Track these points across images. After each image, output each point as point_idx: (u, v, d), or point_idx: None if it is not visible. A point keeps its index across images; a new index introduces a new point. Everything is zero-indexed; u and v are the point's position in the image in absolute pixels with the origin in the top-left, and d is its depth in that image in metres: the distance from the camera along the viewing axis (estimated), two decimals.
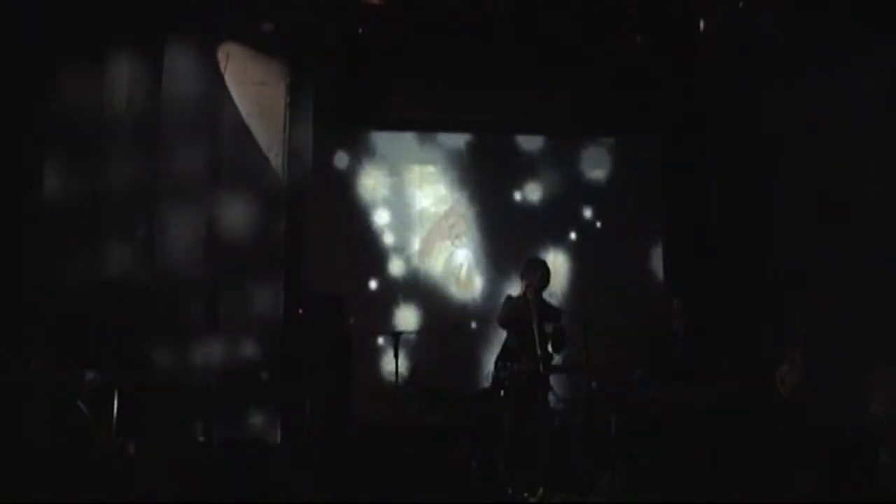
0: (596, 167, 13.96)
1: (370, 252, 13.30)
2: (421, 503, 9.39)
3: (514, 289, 10.83)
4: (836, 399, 9.77)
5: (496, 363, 10.19)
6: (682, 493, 8.67)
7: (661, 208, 13.78)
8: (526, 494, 9.25)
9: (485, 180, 13.69)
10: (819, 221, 10.97)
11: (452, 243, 13.68)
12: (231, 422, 10.21)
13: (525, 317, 9.85)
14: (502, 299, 10.66)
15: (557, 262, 13.51)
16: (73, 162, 10.35)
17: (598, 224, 13.86)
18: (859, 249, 10.31)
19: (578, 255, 13.76)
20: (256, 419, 10.36)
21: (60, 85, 10.28)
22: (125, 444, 9.23)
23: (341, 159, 13.21)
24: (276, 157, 11.02)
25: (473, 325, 13.22)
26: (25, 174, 10.26)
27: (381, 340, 12.47)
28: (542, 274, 10.23)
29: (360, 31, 11.62)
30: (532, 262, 10.50)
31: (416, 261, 13.47)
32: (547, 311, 10.15)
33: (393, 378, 10.44)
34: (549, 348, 9.95)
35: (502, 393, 9.84)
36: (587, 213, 13.85)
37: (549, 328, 9.98)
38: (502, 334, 10.53)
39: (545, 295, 10.37)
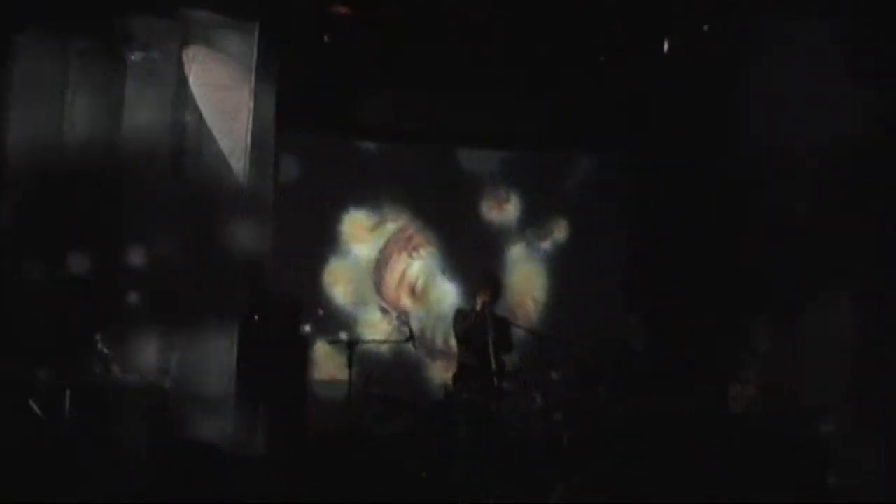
0: (558, 182, 14.00)
1: (330, 260, 13.27)
2: None
3: (469, 302, 10.84)
4: (789, 416, 9.86)
5: (454, 381, 10.19)
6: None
7: (622, 223, 13.84)
8: None
9: (445, 192, 13.70)
10: (779, 239, 11.06)
11: (409, 255, 13.68)
12: (184, 426, 10.13)
13: (480, 332, 9.84)
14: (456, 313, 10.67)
15: (516, 275, 13.55)
16: (32, 168, 10.29)
17: (559, 238, 13.90)
18: (818, 267, 10.40)
19: (537, 269, 13.80)
20: (210, 424, 10.28)
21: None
22: (76, 445, 9.17)
23: (304, 165, 13.17)
24: (237, 161, 10.96)
25: (428, 336, 13.21)
26: None
27: (336, 349, 12.41)
28: (495, 288, 10.25)
29: (327, 38, 11.62)
30: (485, 276, 10.52)
31: (373, 270, 13.45)
32: (499, 324, 10.14)
33: (347, 387, 10.44)
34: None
35: (458, 406, 9.86)
36: (548, 226, 13.88)
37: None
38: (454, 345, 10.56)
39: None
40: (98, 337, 9.85)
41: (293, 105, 11.72)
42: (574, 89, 12.88)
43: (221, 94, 11.04)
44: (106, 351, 9.83)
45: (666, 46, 11.49)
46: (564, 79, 12.74)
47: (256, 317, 11.19)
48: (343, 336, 12.42)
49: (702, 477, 9.01)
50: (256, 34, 11.12)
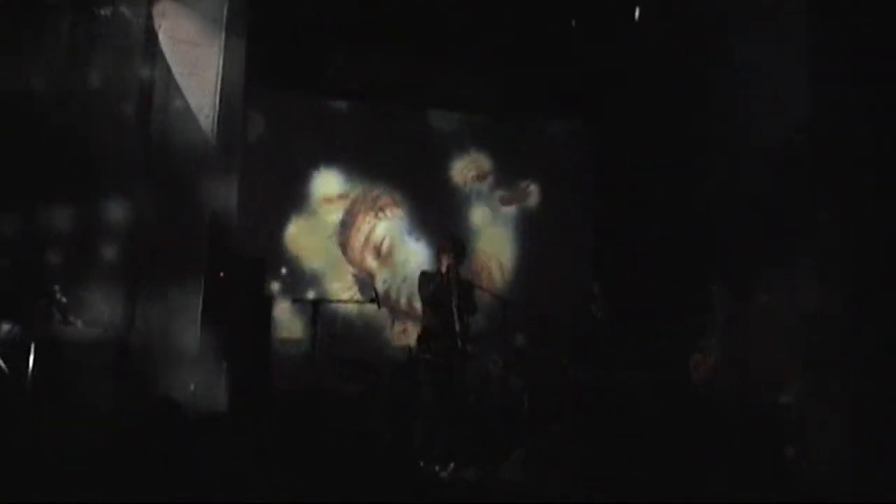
0: (526, 146, 14.06)
1: (296, 218, 13.28)
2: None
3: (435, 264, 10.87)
4: (749, 388, 9.95)
5: (418, 343, 10.22)
6: (592, 472, 8.79)
7: (589, 192, 13.91)
8: (437, 468, 9.33)
9: (413, 154, 13.72)
10: (740, 211, 11.12)
11: (376, 216, 13.70)
12: (146, 382, 10.13)
13: (444, 294, 9.87)
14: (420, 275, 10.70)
15: (482, 240, 13.62)
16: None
17: (526, 205, 13.97)
18: (778, 240, 10.47)
19: (503, 233, 13.86)
20: (174, 381, 10.29)
21: None
22: (37, 399, 9.17)
23: (272, 123, 13.15)
24: (206, 118, 10.92)
25: (393, 297, 13.27)
26: None
27: (301, 308, 12.42)
28: (459, 250, 10.26)
29: None
30: (449, 239, 10.51)
31: (339, 231, 13.47)
32: (463, 287, 10.15)
33: (311, 346, 10.47)
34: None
35: (421, 368, 9.90)
36: (515, 192, 13.95)
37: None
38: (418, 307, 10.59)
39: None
40: (57, 288, 9.82)
41: (262, 63, 11.68)
42: (545, 54, 12.88)
43: (190, 50, 10.98)
44: (64, 300, 9.80)
45: (637, 13, 11.47)
46: (535, 43, 12.73)
47: (222, 274, 11.17)
48: (308, 295, 12.46)
49: (660, 446, 9.10)
50: None
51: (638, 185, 12.92)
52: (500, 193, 14.02)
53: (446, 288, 9.84)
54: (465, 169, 13.97)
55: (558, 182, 14.04)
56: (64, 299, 9.83)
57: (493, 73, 13.36)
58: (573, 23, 11.98)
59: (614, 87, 13.28)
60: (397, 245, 13.68)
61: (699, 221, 11.89)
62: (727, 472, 8.56)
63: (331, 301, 12.00)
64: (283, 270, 13.04)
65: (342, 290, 13.21)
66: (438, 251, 10.33)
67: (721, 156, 11.53)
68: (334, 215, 13.51)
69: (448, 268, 9.98)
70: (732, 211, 11.28)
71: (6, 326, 9.22)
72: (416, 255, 13.53)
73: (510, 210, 14.03)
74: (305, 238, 13.33)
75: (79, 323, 9.81)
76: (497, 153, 14.07)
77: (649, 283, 11.98)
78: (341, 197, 13.55)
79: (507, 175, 14.08)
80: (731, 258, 11.18)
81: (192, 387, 10.35)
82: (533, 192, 14.03)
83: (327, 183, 13.48)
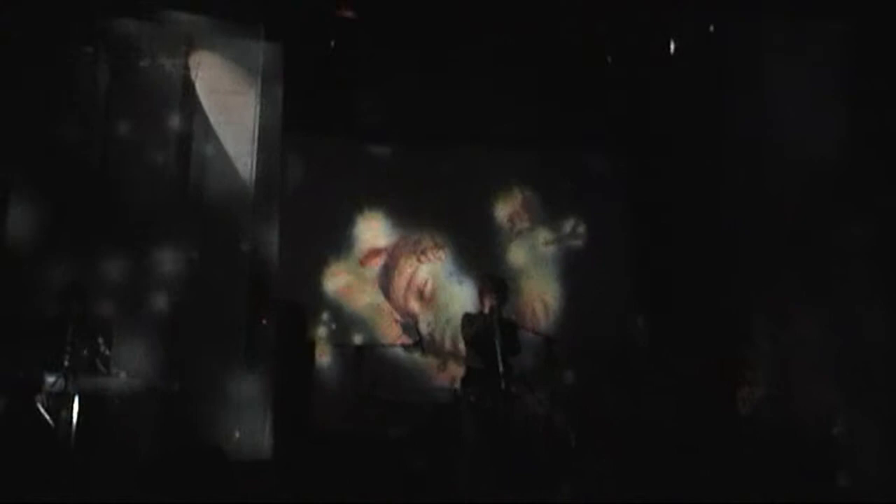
0: (565, 183, 14.02)
1: (337, 263, 13.29)
2: None
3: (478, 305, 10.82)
4: (797, 420, 9.83)
5: (462, 384, 10.16)
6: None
7: (628, 225, 13.84)
8: None
9: (453, 195, 13.70)
10: (782, 241, 11.03)
11: (418, 259, 13.68)
12: (191, 430, 10.14)
13: (487, 335, 9.81)
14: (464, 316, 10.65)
15: (525, 279, 13.56)
16: (36, 167, 10.38)
17: (567, 241, 13.91)
18: (820, 268, 10.38)
19: (546, 271, 13.79)
20: (217, 427, 10.29)
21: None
22: (84, 449, 9.20)
23: (310, 168, 13.19)
24: (244, 165, 10.99)
25: (437, 340, 13.22)
26: None
27: (344, 352, 12.39)
28: (501, 291, 10.20)
29: (333, 43, 11.64)
30: (491, 279, 10.46)
31: (381, 274, 13.47)
32: (506, 327, 10.09)
33: (355, 390, 10.46)
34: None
35: (465, 408, 9.85)
36: (555, 229, 13.90)
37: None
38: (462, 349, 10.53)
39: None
40: (100, 340, 9.87)
41: (299, 109, 11.73)
42: (581, 90, 12.87)
43: (227, 99, 11.08)
44: (107, 352, 9.85)
45: (672, 47, 11.44)
46: (572, 80, 12.72)
47: (264, 320, 11.18)
48: (351, 340, 12.46)
49: (709, 479, 8.99)
50: (262, 39, 11.18)
51: (677, 216, 12.83)
52: (541, 231, 13.96)
53: (489, 329, 9.78)
54: (506, 208, 13.93)
55: (599, 217, 13.98)
56: (107, 350, 9.88)
57: (531, 110, 13.33)
58: (608, 59, 11.94)
59: (651, 121, 13.21)
60: (440, 287, 13.64)
61: (740, 252, 11.80)
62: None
63: (374, 345, 11.97)
64: (325, 316, 13.02)
65: (385, 334, 13.14)
66: (480, 292, 10.27)
67: (759, 186, 11.45)
68: (376, 259, 13.48)
69: (490, 308, 9.92)
70: (773, 241, 11.18)
71: (50, 378, 9.27)
72: (459, 296, 13.45)
73: (552, 247, 13.96)
74: (347, 283, 13.32)
75: (122, 374, 9.85)
76: (538, 191, 14.03)
77: (692, 316, 11.88)
78: (382, 241, 13.52)
79: (548, 212, 14.02)
80: (773, 288, 11.08)
81: (236, 433, 10.36)
82: (574, 229, 13.96)
83: (368, 227, 13.47)
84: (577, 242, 14.03)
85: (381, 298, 13.44)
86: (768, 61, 10.82)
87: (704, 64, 11.61)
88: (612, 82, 12.56)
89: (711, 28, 11.13)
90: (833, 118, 10.16)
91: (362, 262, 13.47)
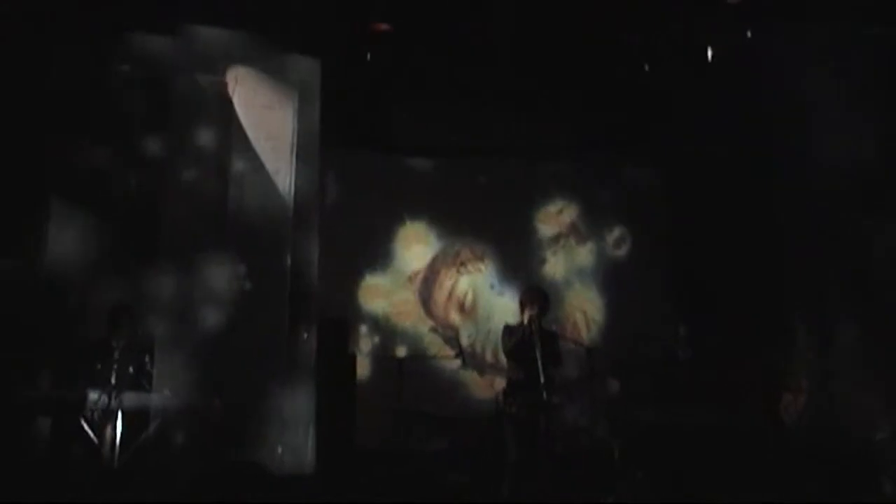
0: (601, 193, 13.99)
1: (378, 277, 13.30)
2: None
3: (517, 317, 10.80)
4: (841, 426, 9.76)
5: (503, 396, 10.14)
6: None
7: (666, 233, 13.79)
8: None
9: (493, 207, 13.70)
10: (825, 249, 10.97)
11: (458, 271, 13.68)
12: (234, 446, 10.16)
13: (528, 346, 9.78)
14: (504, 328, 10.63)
15: (566, 290, 13.53)
16: (81, 189, 10.50)
17: (605, 249, 13.88)
18: (864, 276, 10.31)
19: (584, 281, 13.76)
20: (260, 443, 10.31)
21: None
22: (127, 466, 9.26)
23: (349, 182, 13.22)
24: (283, 179, 11.02)
25: (478, 352, 13.21)
26: (33, 203, 10.39)
27: (385, 366, 12.39)
28: (541, 302, 10.18)
29: (368, 56, 11.65)
30: (531, 291, 10.45)
31: (421, 287, 13.47)
32: (547, 338, 10.06)
33: (396, 403, 10.45)
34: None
35: (506, 421, 9.83)
36: (593, 238, 13.87)
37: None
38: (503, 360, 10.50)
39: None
40: (146, 358, 9.93)
41: (337, 123, 11.74)
42: (619, 99, 12.85)
43: (265, 114, 11.11)
44: (151, 369, 9.91)
45: (710, 54, 11.39)
46: (609, 89, 12.70)
47: (305, 335, 11.19)
48: (392, 353, 12.46)
49: (754, 488, 8.94)
50: (299, 54, 11.22)
51: (719, 225, 12.77)
52: (582, 241, 13.93)
53: (529, 340, 9.75)
54: (546, 218, 13.92)
55: (640, 227, 13.94)
56: (151, 368, 9.95)
57: (570, 120, 13.33)
58: (645, 66, 11.89)
59: (692, 130, 13.14)
60: (481, 299, 13.64)
61: (782, 260, 11.74)
62: None
63: (415, 358, 11.97)
64: (366, 329, 13.05)
65: (426, 346, 13.14)
66: (521, 304, 10.25)
67: (802, 193, 11.39)
68: (415, 271, 13.49)
69: (530, 320, 9.90)
70: (815, 248, 11.13)
71: (94, 396, 9.32)
72: (499, 308, 13.44)
73: (593, 256, 13.93)
74: (388, 296, 13.33)
75: (166, 391, 9.90)
76: (578, 201, 14.02)
77: (733, 325, 11.81)
78: (421, 252, 13.52)
79: (589, 223, 14.00)
80: (816, 295, 11.02)
81: (279, 449, 10.37)
82: (612, 238, 13.93)
83: (407, 240, 13.48)
84: (619, 252, 13.99)
85: (421, 311, 13.43)
86: (807, 66, 10.76)
87: (742, 70, 11.55)
88: (650, 91, 12.52)
89: (749, 34, 11.05)
90: (876, 122, 10.10)
91: (402, 271, 13.48)
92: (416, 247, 13.56)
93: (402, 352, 12.84)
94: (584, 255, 13.95)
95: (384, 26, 11.37)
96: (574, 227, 14.00)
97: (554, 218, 14.01)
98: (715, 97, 12.27)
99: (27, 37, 10.28)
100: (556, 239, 13.92)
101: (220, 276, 10.70)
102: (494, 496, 9.61)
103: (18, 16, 10.19)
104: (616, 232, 13.99)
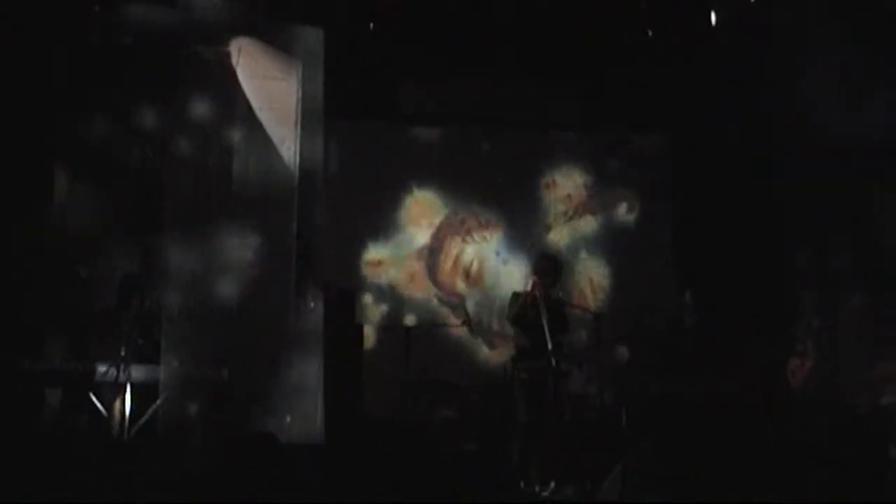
0: (607, 161, 13.97)
1: (383, 246, 13.31)
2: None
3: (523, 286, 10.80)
4: (847, 391, 9.77)
5: (512, 363, 10.16)
6: (692, 487, 8.64)
7: (672, 202, 13.77)
8: (538, 488, 9.26)
9: (498, 176, 13.69)
10: (829, 214, 10.96)
11: (463, 239, 13.68)
12: (242, 416, 10.19)
13: (534, 314, 9.79)
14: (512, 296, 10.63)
15: (573, 258, 13.52)
16: (89, 161, 10.52)
17: (611, 218, 13.87)
18: (868, 243, 10.31)
19: (591, 250, 13.76)
20: (267, 413, 10.33)
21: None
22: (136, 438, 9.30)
23: (353, 152, 13.19)
24: (287, 150, 11.00)
25: (484, 320, 13.22)
26: (40, 175, 10.40)
27: (392, 334, 12.40)
28: (550, 270, 10.19)
29: (372, 25, 11.62)
30: (540, 257, 10.48)
31: (427, 256, 13.47)
32: (554, 306, 10.06)
33: (404, 371, 10.48)
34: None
35: (515, 387, 9.85)
36: (599, 207, 13.86)
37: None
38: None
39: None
40: (154, 329, 9.95)
41: (341, 93, 11.71)
42: (623, 68, 12.80)
43: (269, 85, 11.08)
44: (160, 342, 9.93)
45: (713, 20, 11.34)
46: (613, 58, 12.66)
47: (312, 304, 11.19)
48: (399, 322, 12.48)
49: (760, 454, 8.94)
50: (303, 24, 11.18)
51: (723, 192, 12.75)
52: (588, 209, 13.91)
53: (534, 307, 9.77)
54: (551, 187, 13.90)
55: (646, 195, 13.92)
56: (160, 339, 9.97)
57: (573, 90, 13.30)
58: (649, 32, 11.84)
59: (696, 99, 13.11)
60: (487, 267, 13.64)
61: (787, 227, 11.74)
62: (830, 476, 8.38)
63: (422, 327, 11.99)
64: (373, 298, 13.07)
65: (433, 315, 13.15)
66: (531, 271, 10.27)
67: (807, 161, 11.38)
68: (421, 240, 13.49)
69: (534, 286, 9.91)
70: (818, 216, 11.12)
71: (102, 368, 9.35)
72: (506, 276, 13.45)
73: (599, 225, 13.92)
74: (393, 265, 13.35)
75: (174, 362, 9.92)
76: (583, 170, 14.00)
77: (739, 291, 11.82)
78: (427, 221, 13.51)
79: (594, 191, 13.98)
80: (821, 261, 11.02)
81: (288, 418, 10.39)
82: (618, 206, 13.91)
83: (412, 209, 13.48)
84: (625, 220, 13.98)
85: (427, 279, 13.45)
86: (812, 33, 10.72)
87: (746, 38, 11.50)
88: (653, 59, 12.48)
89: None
90: (884, 94, 10.07)
91: (407, 240, 13.49)
92: (421, 216, 13.55)
93: (409, 320, 12.85)
94: (591, 222, 13.93)
95: None
96: (580, 195, 13.97)
97: (560, 186, 13.98)
98: (719, 63, 12.23)
99: (29, 9, 10.27)
100: (563, 207, 13.90)
101: (226, 247, 10.70)
102: (506, 463, 9.66)
103: None
104: (622, 199, 13.96)
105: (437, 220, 13.59)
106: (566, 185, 13.94)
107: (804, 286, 10.63)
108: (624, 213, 13.92)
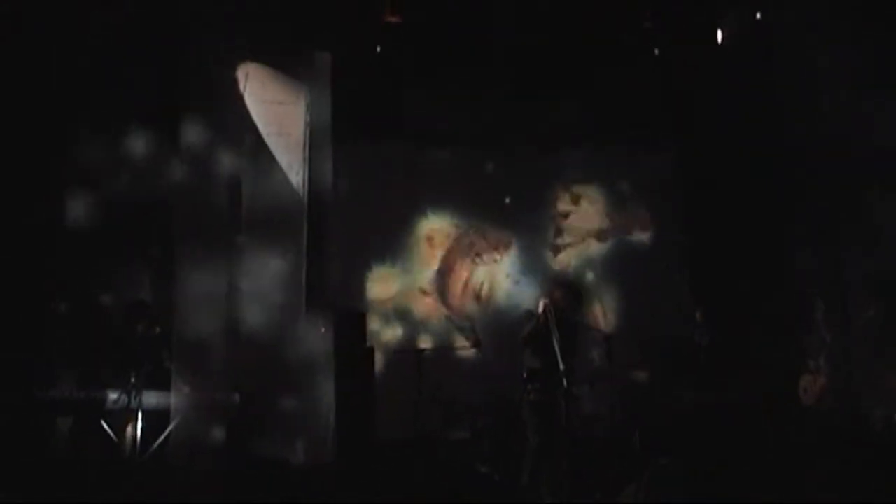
0: (618, 178, 13.96)
1: (393, 268, 13.30)
2: None
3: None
4: (861, 405, 9.75)
5: (523, 384, 10.14)
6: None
7: (683, 219, 13.75)
8: None
9: (507, 196, 13.69)
10: (840, 230, 10.95)
11: (473, 261, 13.67)
12: (254, 440, 10.20)
13: (545, 335, 9.77)
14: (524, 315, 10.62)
15: (581, 275, 13.50)
16: (99, 188, 10.58)
17: (621, 237, 13.84)
18: (881, 256, 10.29)
19: (602, 270, 13.73)
20: (279, 436, 10.34)
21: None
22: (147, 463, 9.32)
23: (362, 174, 13.18)
24: (296, 175, 11.04)
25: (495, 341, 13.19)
26: (54, 199, 10.46)
27: (403, 357, 12.37)
28: (561, 291, 10.18)
29: (379, 49, 11.66)
30: (554, 281, 10.48)
31: (436, 278, 13.47)
32: (565, 326, 10.02)
33: (415, 393, 10.47)
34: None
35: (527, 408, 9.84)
36: (611, 225, 13.84)
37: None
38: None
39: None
40: (164, 356, 9.98)
41: (349, 115, 11.73)
42: (631, 86, 12.80)
43: (277, 109, 11.13)
44: (171, 367, 9.95)
45: (720, 36, 11.36)
46: (620, 76, 12.66)
47: (323, 329, 11.20)
48: (409, 344, 12.48)
49: (774, 469, 8.91)
50: (310, 48, 11.23)
51: (735, 209, 12.72)
52: (597, 229, 13.90)
53: (545, 328, 9.74)
54: (561, 206, 13.89)
55: (656, 214, 13.91)
56: (170, 366, 10.00)
57: (580, 109, 13.29)
58: (656, 52, 11.87)
59: (706, 113, 13.10)
60: (497, 288, 13.62)
61: (799, 244, 11.74)
62: (844, 491, 8.35)
63: (432, 349, 11.98)
64: (383, 321, 13.06)
65: (443, 336, 13.14)
66: (544, 293, 10.25)
67: (816, 174, 11.37)
68: (431, 263, 13.48)
69: (545, 307, 9.88)
70: (831, 230, 11.11)
71: (113, 395, 9.38)
72: (517, 297, 13.41)
73: (609, 245, 13.90)
74: (403, 287, 13.34)
75: (185, 388, 9.94)
76: (594, 190, 13.98)
77: (751, 308, 11.80)
78: (437, 244, 13.51)
79: (604, 211, 13.96)
80: (833, 277, 11.00)
81: (299, 441, 10.41)
82: (631, 226, 13.89)
83: (422, 230, 13.47)
84: (635, 239, 13.95)
85: (437, 301, 13.44)
86: (817, 45, 10.73)
87: (753, 52, 11.51)
88: (662, 77, 12.51)
89: (758, 15, 11.02)
90: (888, 100, 10.07)
91: (417, 262, 13.48)
92: (431, 238, 13.54)
93: (419, 342, 12.84)
94: (601, 242, 13.91)
95: (394, 18, 11.37)
96: (591, 214, 13.95)
97: (570, 205, 13.97)
98: (726, 79, 12.24)
99: (49, 26, 10.34)
100: (573, 227, 13.88)
101: (236, 272, 10.73)
102: (517, 482, 9.63)
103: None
104: (633, 218, 13.94)
105: (447, 242, 13.55)
106: (577, 204, 13.91)
107: (816, 302, 10.60)
108: (634, 232, 13.89)
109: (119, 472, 9.23)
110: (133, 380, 9.42)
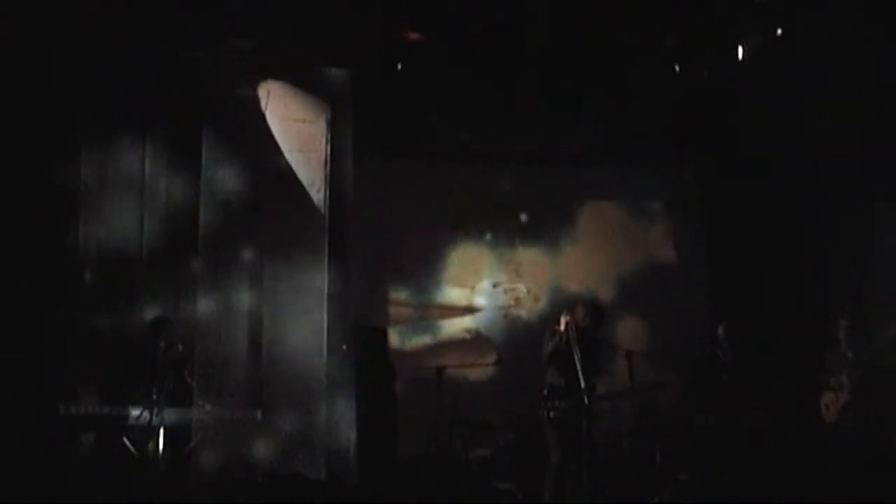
0: (639, 195, 13.94)
1: (415, 287, 13.30)
2: None
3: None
4: (883, 423, 9.71)
5: (543, 401, 10.13)
6: None
7: (705, 235, 13.71)
8: None
9: (523, 212, 13.67)
10: (862, 246, 10.92)
11: (493, 277, 13.66)
12: (275, 457, 10.21)
13: (566, 352, 9.77)
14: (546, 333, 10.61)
15: (601, 292, 13.46)
16: (117, 201, 10.62)
17: (644, 252, 13.80)
18: None
19: (624, 284, 13.70)
20: (301, 454, 10.35)
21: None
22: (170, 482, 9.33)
23: (383, 194, 13.18)
24: (317, 192, 11.07)
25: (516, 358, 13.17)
26: (71, 215, 10.50)
27: (424, 375, 12.37)
28: (583, 310, 10.20)
29: (400, 66, 11.67)
30: (575, 298, 10.50)
31: (462, 296, 13.46)
32: (586, 343, 10.01)
33: (436, 410, 10.47)
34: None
35: (548, 426, 9.83)
36: (633, 242, 13.80)
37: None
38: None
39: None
40: (186, 372, 9.99)
41: (371, 133, 11.75)
42: (653, 103, 12.78)
43: (298, 127, 11.16)
44: (193, 384, 9.97)
45: (741, 53, 11.34)
46: (642, 93, 12.64)
47: (345, 347, 11.21)
48: (431, 362, 12.47)
49: (793, 489, 8.89)
50: (330, 66, 11.27)
51: (756, 225, 12.69)
52: (619, 244, 13.87)
53: (566, 346, 9.76)
54: (582, 222, 13.87)
55: (678, 229, 13.87)
56: (192, 382, 10.01)
57: (599, 125, 13.28)
58: (676, 68, 11.86)
59: (726, 129, 13.07)
60: (518, 306, 13.60)
61: (820, 259, 11.70)
62: None
63: (455, 366, 11.97)
64: (404, 338, 13.05)
65: (465, 353, 13.11)
66: (566, 311, 10.26)
67: (837, 190, 11.35)
68: (454, 280, 13.46)
69: (567, 325, 9.89)
70: (851, 245, 11.08)
71: (135, 412, 9.40)
72: (537, 314, 13.40)
73: (631, 259, 13.86)
74: (425, 306, 13.32)
75: (207, 405, 9.95)
76: (614, 206, 13.96)
77: (773, 324, 11.77)
78: (458, 260, 13.49)
79: (626, 224, 13.94)
80: (855, 293, 10.97)
81: (322, 459, 10.41)
82: (649, 241, 13.86)
83: (445, 247, 13.45)
84: (657, 254, 13.91)
85: (459, 318, 13.42)
86: (839, 60, 10.70)
87: (775, 67, 11.48)
88: (683, 93, 12.49)
89: (779, 31, 10.99)
90: None
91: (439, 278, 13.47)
92: (452, 254, 13.52)
93: (441, 360, 12.81)
94: (623, 258, 13.87)
95: (415, 35, 11.38)
96: (612, 231, 13.92)
97: (591, 222, 13.94)
98: (749, 95, 12.22)
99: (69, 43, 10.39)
100: (594, 243, 13.85)
101: (258, 290, 10.76)
102: (537, 502, 9.63)
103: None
104: (655, 234, 13.91)
105: (468, 258, 13.54)
106: (598, 221, 13.89)
107: (838, 318, 10.56)
108: (656, 248, 13.85)
109: (140, 486, 9.25)
110: (155, 396, 9.41)
